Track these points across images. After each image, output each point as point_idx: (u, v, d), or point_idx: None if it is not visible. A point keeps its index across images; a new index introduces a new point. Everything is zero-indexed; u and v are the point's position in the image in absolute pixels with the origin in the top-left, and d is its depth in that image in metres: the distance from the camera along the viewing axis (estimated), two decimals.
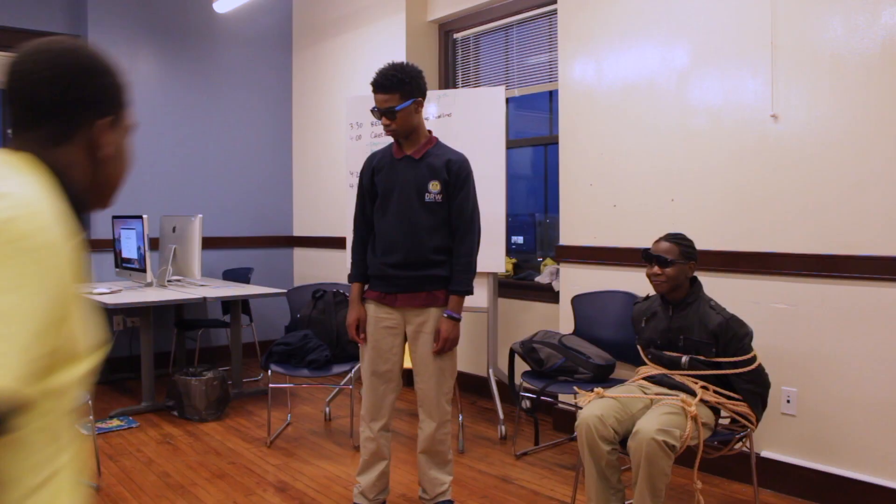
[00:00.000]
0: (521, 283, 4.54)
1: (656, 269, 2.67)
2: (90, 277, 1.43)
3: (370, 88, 2.72)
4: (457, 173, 2.76)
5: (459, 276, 2.75)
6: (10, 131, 1.03)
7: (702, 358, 2.62)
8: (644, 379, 2.74)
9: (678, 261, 2.65)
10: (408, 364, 3.50)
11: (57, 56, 0.99)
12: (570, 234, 3.93)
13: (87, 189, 1.03)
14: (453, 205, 2.76)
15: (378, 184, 2.82)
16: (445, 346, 2.72)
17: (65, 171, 0.99)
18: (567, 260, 3.94)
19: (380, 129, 4.35)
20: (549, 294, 4.27)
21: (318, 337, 3.92)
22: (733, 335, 2.58)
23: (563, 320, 3.91)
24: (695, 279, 2.72)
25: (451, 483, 2.86)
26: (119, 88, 1.06)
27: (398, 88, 2.65)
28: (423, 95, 2.74)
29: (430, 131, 2.85)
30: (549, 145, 4.65)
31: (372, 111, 2.73)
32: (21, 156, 0.97)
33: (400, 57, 5.02)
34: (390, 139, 2.84)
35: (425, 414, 2.80)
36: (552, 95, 4.52)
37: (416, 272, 2.74)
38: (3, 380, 0.75)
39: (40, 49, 0.99)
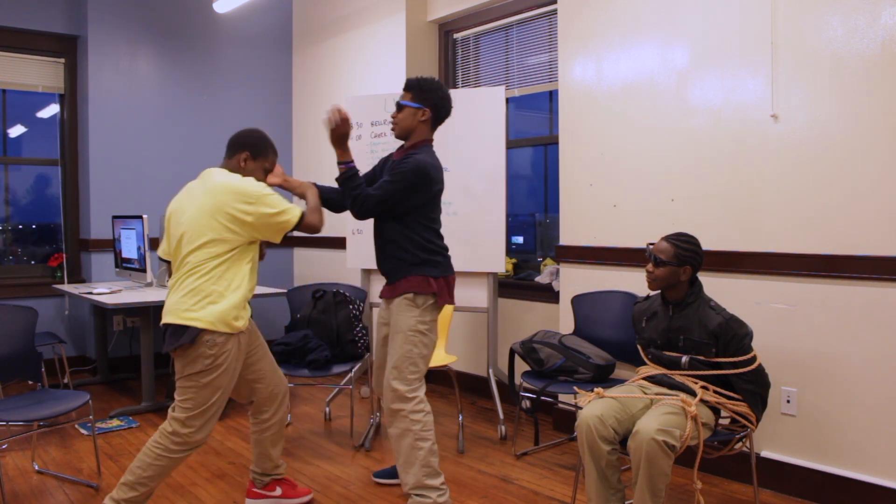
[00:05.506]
0: (521, 283, 4.54)
1: (650, 266, 2.71)
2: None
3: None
4: (398, 162, 2.90)
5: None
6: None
7: (702, 358, 2.63)
8: (644, 379, 2.74)
9: (670, 262, 2.66)
10: None
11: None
12: (570, 234, 3.93)
13: None
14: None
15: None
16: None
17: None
18: (567, 260, 3.95)
19: (380, 129, 4.40)
20: (549, 294, 4.27)
21: (319, 337, 3.91)
22: (733, 335, 2.58)
23: (563, 320, 3.91)
24: (695, 279, 2.72)
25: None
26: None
27: (414, 90, 2.90)
28: (435, 112, 2.90)
29: (429, 140, 2.93)
30: (549, 145, 4.66)
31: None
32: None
33: (400, 57, 5.03)
34: (386, 147, 2.99)
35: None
36: (552, 95, 4.53)
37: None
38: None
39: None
